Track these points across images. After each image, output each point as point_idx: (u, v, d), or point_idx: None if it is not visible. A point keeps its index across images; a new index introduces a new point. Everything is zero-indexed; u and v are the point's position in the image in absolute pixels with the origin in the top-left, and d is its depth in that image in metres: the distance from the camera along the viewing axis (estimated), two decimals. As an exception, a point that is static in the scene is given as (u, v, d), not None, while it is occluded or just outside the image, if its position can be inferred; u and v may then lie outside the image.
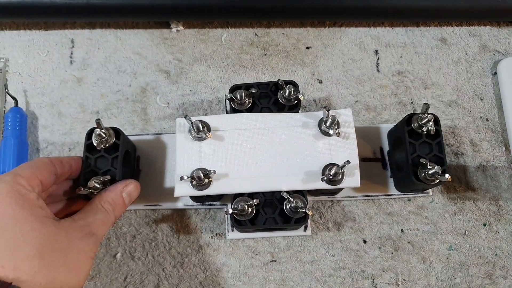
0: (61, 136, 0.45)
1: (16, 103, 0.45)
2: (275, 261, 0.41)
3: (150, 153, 0.43)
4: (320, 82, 0.47)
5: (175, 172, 0.37)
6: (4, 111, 0.45)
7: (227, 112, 0.43)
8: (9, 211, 0.28)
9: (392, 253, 0.41)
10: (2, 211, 0.28)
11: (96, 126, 0.37)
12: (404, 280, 0.40)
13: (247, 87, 0.39)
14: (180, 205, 0.42)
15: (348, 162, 0.35)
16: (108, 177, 0.36)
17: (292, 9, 0.47)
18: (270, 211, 0.37)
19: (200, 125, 0.36)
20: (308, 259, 0.41)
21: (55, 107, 0.46)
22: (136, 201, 0.41)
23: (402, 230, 0.42)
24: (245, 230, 0.39)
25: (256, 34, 0.49)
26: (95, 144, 0.37)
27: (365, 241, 0.42)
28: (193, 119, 0.37)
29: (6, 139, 0.42)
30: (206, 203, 0.42)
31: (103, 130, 0.37)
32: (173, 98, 0.46)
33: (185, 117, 0.36)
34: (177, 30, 0.49)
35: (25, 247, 0.28)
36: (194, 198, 0.41)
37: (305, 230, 0.41)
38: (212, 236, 0.41)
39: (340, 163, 0.35)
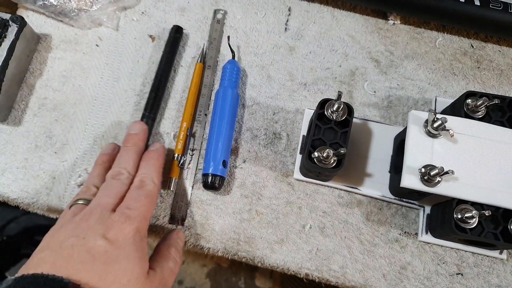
0: (267, 98, 0.46)
1: (233, 56, 0.46)
2: (461, 274, 0.40)
3: (355, 136, 0.43)
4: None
5: (405, 162, 0.37)
6: (217, 61, 0.47)
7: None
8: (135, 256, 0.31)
9: None
10: (130, 254, 0.31)
11: (336, 98, 0.37)
12: None
13: (481, 95, 0.39)
14: (377, 194, 0.42)
15: None
16: (344, 151, 0.36)
17: (514, 28, 0.45)
18: (490, 226, 0.36)
19: (441, 121, 0.36)
20: (496, 282, 0.40)
21: (265, 69, 0.47)
22: (335, 179, 0.42)
23: None
24: (448, 237, 0.39)
25: (471, 45, 0.48)
26: (326, 114, 0.38)
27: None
28: (438, 115, 0.36)
29: (224, 89, 0.44)
30: (404, 199, 0.41)
31: (341, 104, 0.37)
32: (380, 88, 0.46)
33: (429, 110, 0.36)
34: (394, 23, 0.48)
35: None
36: (399, 192, 0.41)
37: (500, 253, 0.40)
38: (401, 233, 0.41)
39: None
